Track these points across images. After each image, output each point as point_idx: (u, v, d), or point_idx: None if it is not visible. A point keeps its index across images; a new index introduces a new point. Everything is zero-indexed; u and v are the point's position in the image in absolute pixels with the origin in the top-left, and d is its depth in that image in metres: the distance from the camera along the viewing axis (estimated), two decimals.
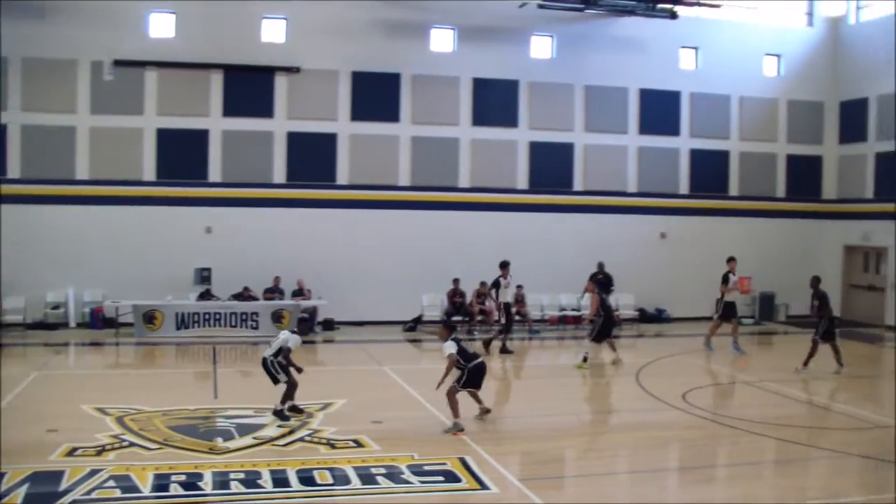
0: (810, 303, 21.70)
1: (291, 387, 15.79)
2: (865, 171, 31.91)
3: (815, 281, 22.11)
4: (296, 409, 15.85)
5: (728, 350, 24.21)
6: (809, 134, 33.33)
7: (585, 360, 21.80)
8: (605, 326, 22.08)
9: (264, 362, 15.83)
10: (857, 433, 15.94)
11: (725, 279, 24.59)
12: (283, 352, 15.72)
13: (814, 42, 33.40)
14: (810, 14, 33.63)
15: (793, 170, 33.18)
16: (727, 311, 24.71)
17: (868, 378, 21.10)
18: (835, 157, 33.44)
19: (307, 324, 16.62)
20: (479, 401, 15.76)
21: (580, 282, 26.51)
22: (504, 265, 24.07)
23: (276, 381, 15.77)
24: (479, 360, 15.41)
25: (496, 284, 23.97)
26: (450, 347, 15.13)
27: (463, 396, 15.26)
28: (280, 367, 15.74)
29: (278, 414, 15.48)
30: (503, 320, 24.11)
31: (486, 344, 23.64)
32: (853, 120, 32.51)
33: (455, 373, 15.23)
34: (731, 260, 24.79)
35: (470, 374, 15.13)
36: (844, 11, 32.97)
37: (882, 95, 31.18)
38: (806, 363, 21.17)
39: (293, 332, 16.16)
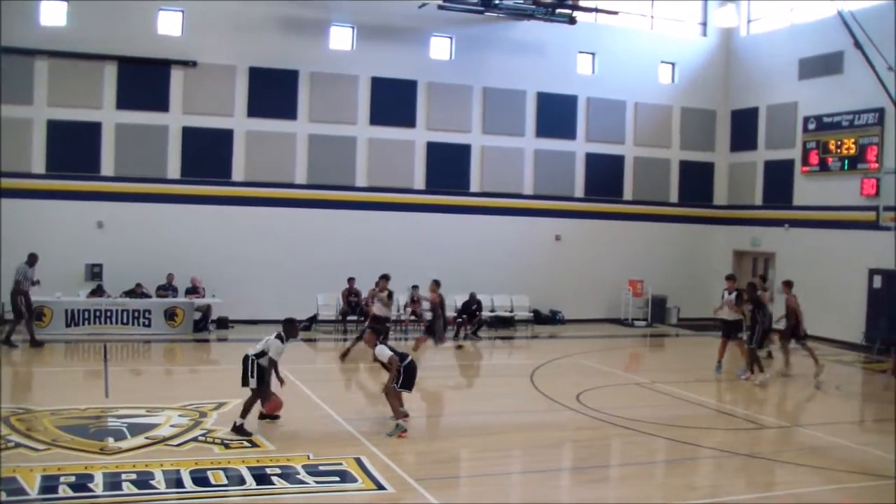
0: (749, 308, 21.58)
1: (258, 397, 14.90)
2: (755, 179, 32.73)
3: (752, 288, 22.13)
4: (271, 417, 15.35)
5: (622, 352, 24.49)
6: (702, 141, 34.08)
7: None
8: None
9: (245, 358, 14.88)
10: (745, 433, 16.32)
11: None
12: (264, 356, 14.84)
13: (707, 52, 34.15)
14: (704, 24, 34.38)
15: (685, 175, 33.89)
16: (726, 329, 22.69)
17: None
18: (725, 165, 34.26)
19: (294, 326, 15.62)
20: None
21: (476, 282, 26.81)
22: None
23: (245, 382, 14.79)
24: (410, 358, 15.33)
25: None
26: (385, 351, 14.97)
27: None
28: (257, 369, 14.76)
29: (238, 430, 14.36)
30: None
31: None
32: (744, 128, 33.36)
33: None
34: (728, 278, 23.27)
35: (405, 374, 14.96)
36: (737, 23, 33.73)
37: (771, 105, 32.05)
38: (761, 370, 21.22)
39: (277, 336, 15.02)
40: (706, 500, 12.39)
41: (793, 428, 16.71)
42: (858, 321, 26.74)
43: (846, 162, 28.90)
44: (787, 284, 22.89)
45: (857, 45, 25.41)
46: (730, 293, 22.63)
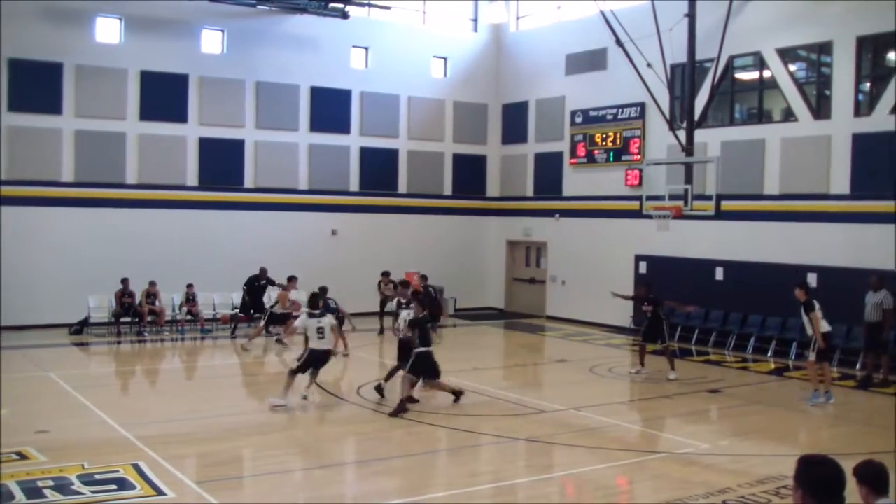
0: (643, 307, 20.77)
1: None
2: (526, 171, 33.65)
3: (645, 288, 21.40)
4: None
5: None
6: (474, 134, 34.75)
7: None
8: None
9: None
10: (522, 418, 16.73)
11: (811, 306, 17.81)
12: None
13: (478, 47, 34.84)
14: (475, 21, 35.03)
15: (458, 168, 34.48)
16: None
17: (532, 366, 22.14)
18: (497, 157, 35.06)
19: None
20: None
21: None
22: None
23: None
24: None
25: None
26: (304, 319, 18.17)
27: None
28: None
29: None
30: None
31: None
32: (514, 122, 34.23)
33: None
34: (799, 286, 18.16)
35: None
36: (506, 20, 34.56)
37: (540, 100, 33.01)
38: (642, 364, 21.30)
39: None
40: (488, 485, 12.66)
41: (567, 411, 17.24)
42: (627, 306, 27.67)
43: (611, 154, 30.10)
44: (423, 277, 25.91)
45: (619, 42, 26.44)
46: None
